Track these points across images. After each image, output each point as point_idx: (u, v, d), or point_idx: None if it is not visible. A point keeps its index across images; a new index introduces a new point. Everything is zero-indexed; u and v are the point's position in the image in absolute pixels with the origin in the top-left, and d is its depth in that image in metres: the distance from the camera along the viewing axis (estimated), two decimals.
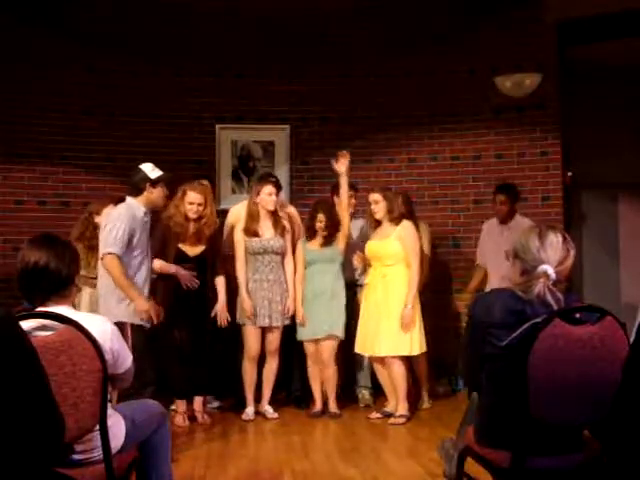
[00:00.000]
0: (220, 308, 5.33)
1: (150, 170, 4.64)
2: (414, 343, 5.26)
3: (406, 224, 5.39)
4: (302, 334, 5.56)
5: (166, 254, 5.22)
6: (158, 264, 5.19)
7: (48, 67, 6.36)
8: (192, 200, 5.21)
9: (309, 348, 5.56)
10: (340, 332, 5.48)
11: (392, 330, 5.24)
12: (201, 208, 5.22)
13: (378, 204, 5.37)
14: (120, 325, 4.06)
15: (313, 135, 6.97)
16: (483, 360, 2.48)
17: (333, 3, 6.21)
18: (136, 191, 4.62)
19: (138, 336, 4.45)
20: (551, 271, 2.38)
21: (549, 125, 6.54)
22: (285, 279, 5.49)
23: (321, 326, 5.46)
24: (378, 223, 5.45)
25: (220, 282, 5.38)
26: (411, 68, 6.77)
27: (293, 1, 6.24)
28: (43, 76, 6.34)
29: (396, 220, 5.36)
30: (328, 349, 5.48)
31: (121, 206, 4.59)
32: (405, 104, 6.80)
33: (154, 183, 4.62)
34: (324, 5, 6.22)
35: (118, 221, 4.44)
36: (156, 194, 4.64)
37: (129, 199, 4.63)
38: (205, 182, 5.72)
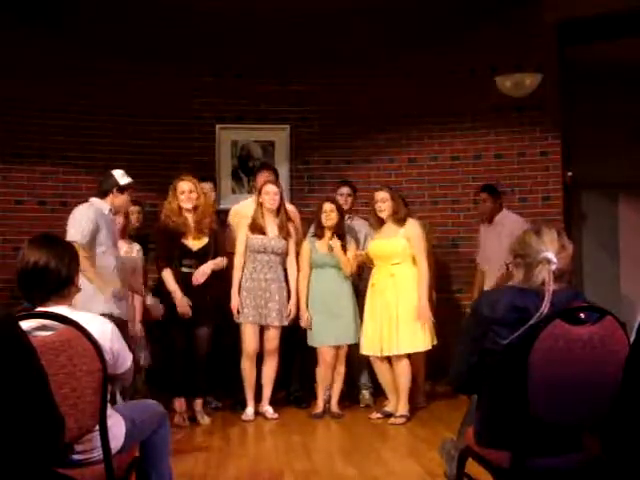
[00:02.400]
0: (202, 269, 5.22)
1: (120, 176, 4.69)
2: (427, 338, 5.28)
3: (412, 222, 5.40)
4: (321, 340, 5.50)
5: (171, 253, 5.22)
6: (168, 275, 5.19)
7: (48, 67, 6.36)
8: (182, 189, 5.23)
9: (327, 353, 5.49)
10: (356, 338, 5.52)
11: (409, 328, 5.24)
12: (193, 196, 5.23)
13: (385, 202, 5.35)
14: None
15: (313, 135, 6.97)
16: (482, 355, 2.48)
17: (333, 3, 6.20)
18: (102, 194, 4.66)
19: None
20: (551, 256, 2.41)
21: (549, 125, 6.54)
22: (285, 279, 5.49)
23: (348, 333, 5.48)
24: (381, 222, 5.44)
25: (218, 259, 5.32)
26: (411, 68, 6.78)
27: (293, 1, 6.24)
28: (43, 76, 6.34)
29: (401, 221, 5.35)
30: (345, 351, 5.54)
31: (84, 205, 4.58)
32: (405, 104, 6.80)
33: (122, 189, 4.67)
34: (324, 5, 6.21)
35: (83, 217, 4.44)
36: (121, 200, 4.69)
37: (93, 199, 4.65)
38: (208, 185, 5.79)
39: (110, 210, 4.63)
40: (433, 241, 6.11)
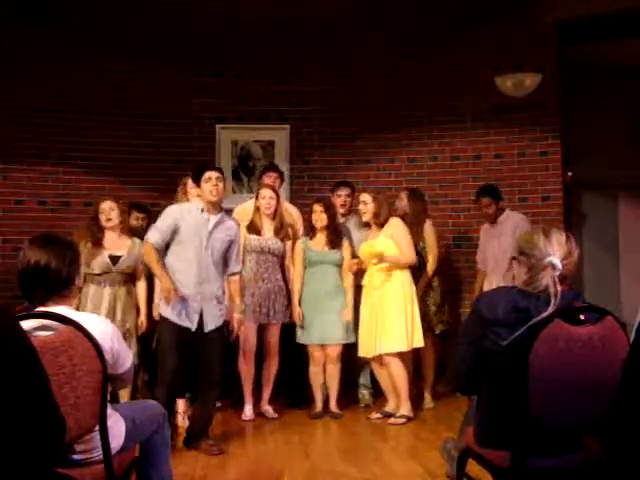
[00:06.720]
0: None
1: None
2: (409, 338, 5.25)
3: (394, 221, 5.41)
4: (307, 338, 5.53)
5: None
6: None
7: (48, 67, 6.37)
8: (193, 185, 5.22)
9: (314, 351, 5.53)
10: (353, 337, 5.51)
11: (388, 328, 5.24)
12: None
13: (367, 205, 5.38)
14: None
15: (313, 135, 6.97)
16: (482, 355, 2.48)
17: (333, 3, 6.20)
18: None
19: (167, 332, 4.49)
20: (557, 261, 2.39)
21: (549, 125, 6.54)
22: (282, 279, 5.50)
23: (333, 333, 5.47)
24: (368, 225, 5.47)
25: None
26: (411, 68, 6.78)
27: (293, 1, 6.23)
28: (43, 76, 6.34)
29: (381, 224, 5.37)
30: (336, 351, 5.52)
31: (179, 203, 4.91)
32: (405, 104, 6.80)
33: (195, 181, 4.74)
34: (324, 5, 6.21)
35: (164, 214, 4.64)
36: (200, 191, 4.66)
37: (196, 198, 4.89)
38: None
39: (203, 210, 4.57)
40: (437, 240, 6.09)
